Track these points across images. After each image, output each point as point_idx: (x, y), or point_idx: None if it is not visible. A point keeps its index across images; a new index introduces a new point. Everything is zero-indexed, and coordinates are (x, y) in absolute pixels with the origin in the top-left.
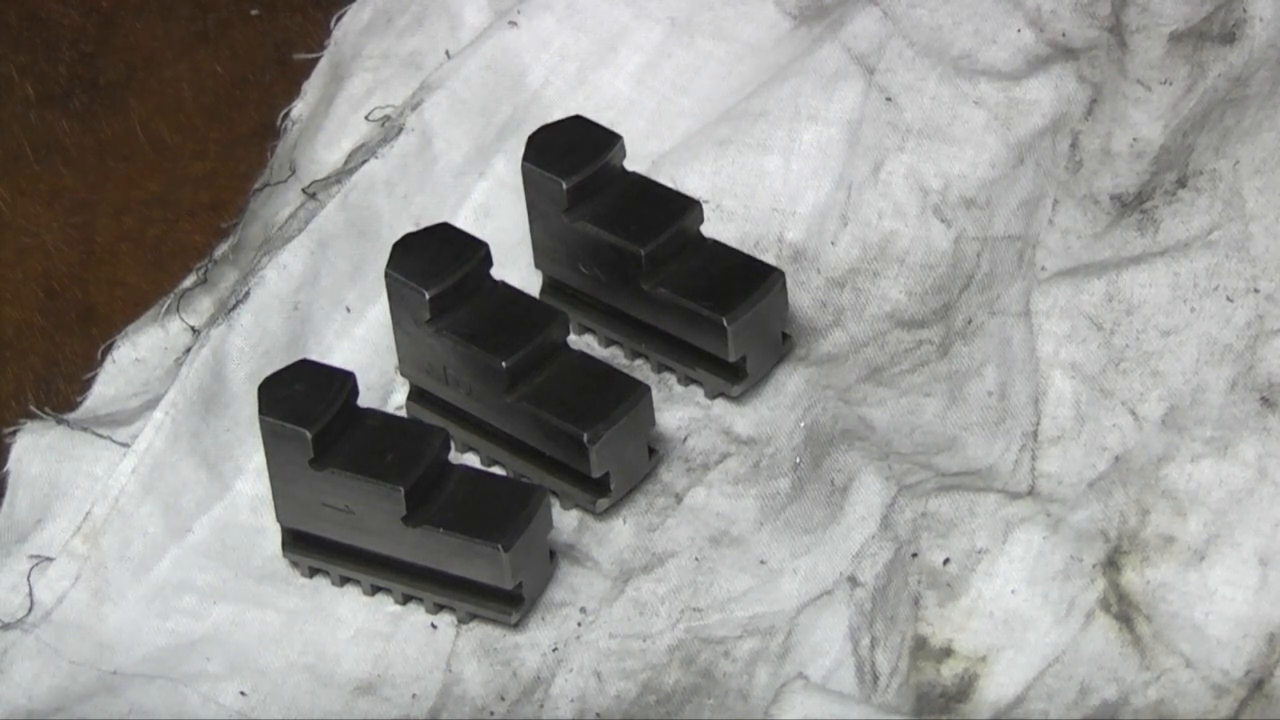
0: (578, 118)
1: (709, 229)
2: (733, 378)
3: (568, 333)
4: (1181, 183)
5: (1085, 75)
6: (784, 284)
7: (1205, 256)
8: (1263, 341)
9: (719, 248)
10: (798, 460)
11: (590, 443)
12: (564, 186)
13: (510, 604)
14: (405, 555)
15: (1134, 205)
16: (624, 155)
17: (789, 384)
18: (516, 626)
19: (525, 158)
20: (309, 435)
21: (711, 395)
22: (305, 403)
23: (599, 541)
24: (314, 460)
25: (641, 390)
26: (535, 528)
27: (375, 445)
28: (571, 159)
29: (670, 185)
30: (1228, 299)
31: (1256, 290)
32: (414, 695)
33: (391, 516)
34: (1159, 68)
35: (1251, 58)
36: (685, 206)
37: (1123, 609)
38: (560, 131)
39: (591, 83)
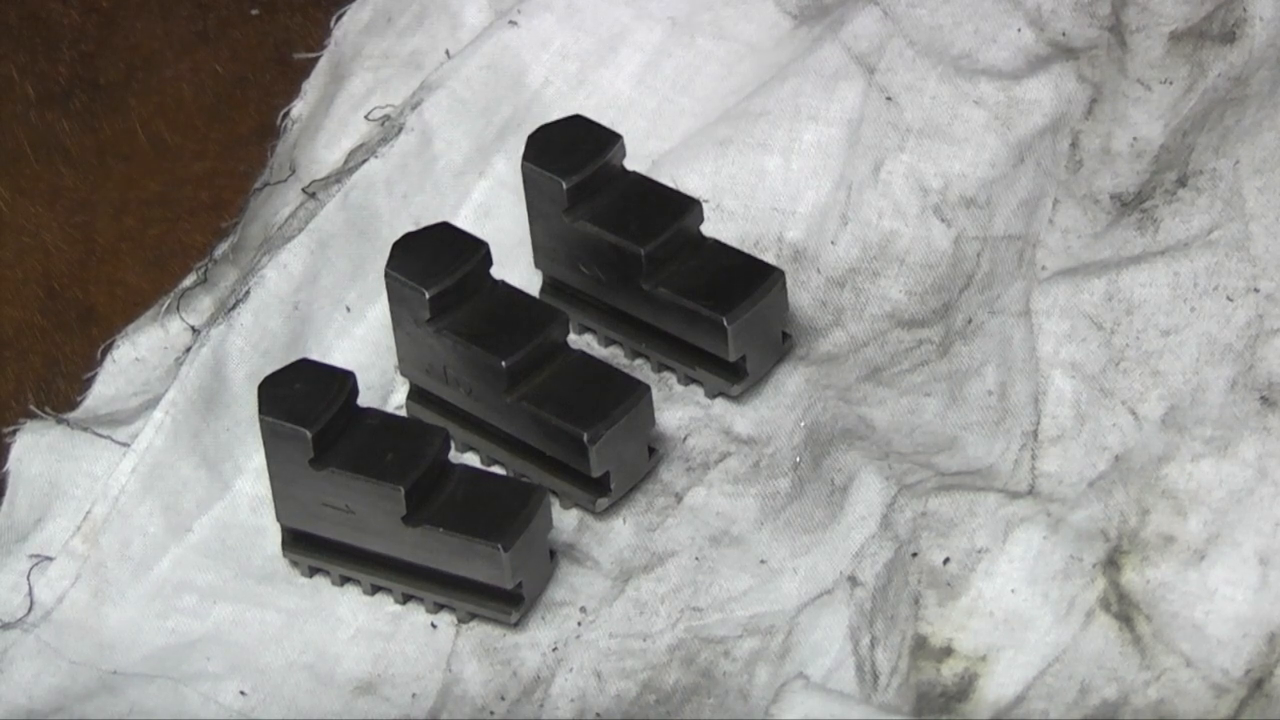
0: (578, 117)
1: (709, 229)
2: (733, 377)
3: (568, 333)
4: (1181, 182)
5: (1085, 75)
6: (784, 283)
7: (1205, 256)
8: (1263, 341)
9: (719, 247)
10: (798, 460)
11: (590, 442)
12: (564, 186)
13: (510, 603)
14: (405, 555)
15: (1134, 204)
16: (624, 155)
17: (789, 384)
18: (516, 626)
19: (525, 157)
20: (309, 435)
21: (711, 395)
22: (305, 402)
23: (599, 541)
24: (314, 460)
25: (641, 390)
26: (535, 527)
27: (375, 445)
28: (572, 158)
29: (670, 185)
30: (1228, 298)
31: (1256, 290)
32: (414, 695)
33: (391, 516)
34: (1159, 67)
35: (1251, 57)
36: (685, 206)
37: (1123, 608)
38: (560, 131)
39: (592, 82)
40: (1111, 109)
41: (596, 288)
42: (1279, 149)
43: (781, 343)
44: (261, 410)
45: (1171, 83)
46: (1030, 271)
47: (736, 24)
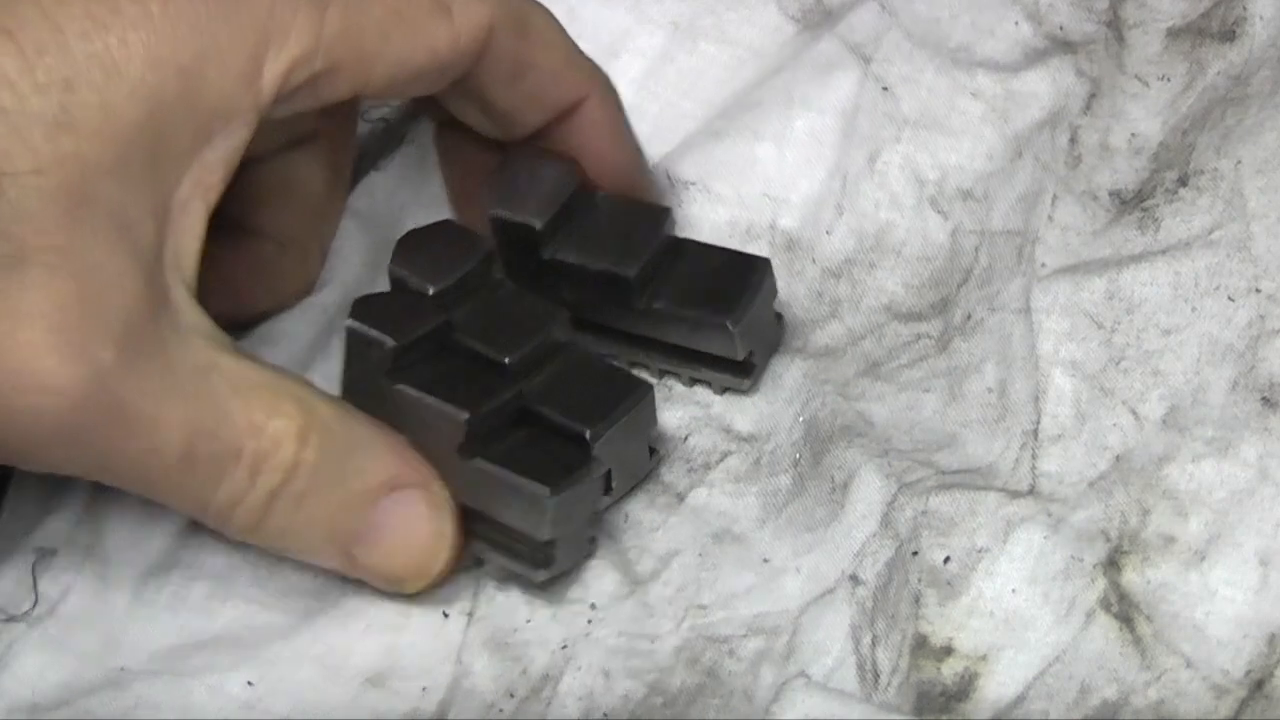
0: (535, 148)
1: (700, 212)
2: (741, 374)
3: (569, 331)
4: (1183, 181)
5: (1083, 69)
6: (772, 270)
7: (1206, 256)
8: (1264, 341)
9: (700, 248)
10: (797, 456)
11: (592, 440)
12: (538, 228)
13: (542, 560)
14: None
15: (1134, 203)
16: (579, 180)
17: (787, 377)
18: (542, 587)
19: (490, 204)
20: (391, 345)
21: (720, 391)
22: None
23: (604, 540)
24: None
25: (644, 389)
26: (585, 489)
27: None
28: (539, 200)
29: (665, 176)
30: (1229, 299)
31: (1258, 290)
32: (424, 688)
33: (450, 445)
34: (1157, 63)
35: (1251, 57)
36: (658, 216)
37: (1123, 609)
38: (521, 168)
39: None
40: (1110, 104)
41: (591, 311)
42: None
43: (778, 325)
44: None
45: (1169, 79)
46: (1030, 268)
47: (739, 28)
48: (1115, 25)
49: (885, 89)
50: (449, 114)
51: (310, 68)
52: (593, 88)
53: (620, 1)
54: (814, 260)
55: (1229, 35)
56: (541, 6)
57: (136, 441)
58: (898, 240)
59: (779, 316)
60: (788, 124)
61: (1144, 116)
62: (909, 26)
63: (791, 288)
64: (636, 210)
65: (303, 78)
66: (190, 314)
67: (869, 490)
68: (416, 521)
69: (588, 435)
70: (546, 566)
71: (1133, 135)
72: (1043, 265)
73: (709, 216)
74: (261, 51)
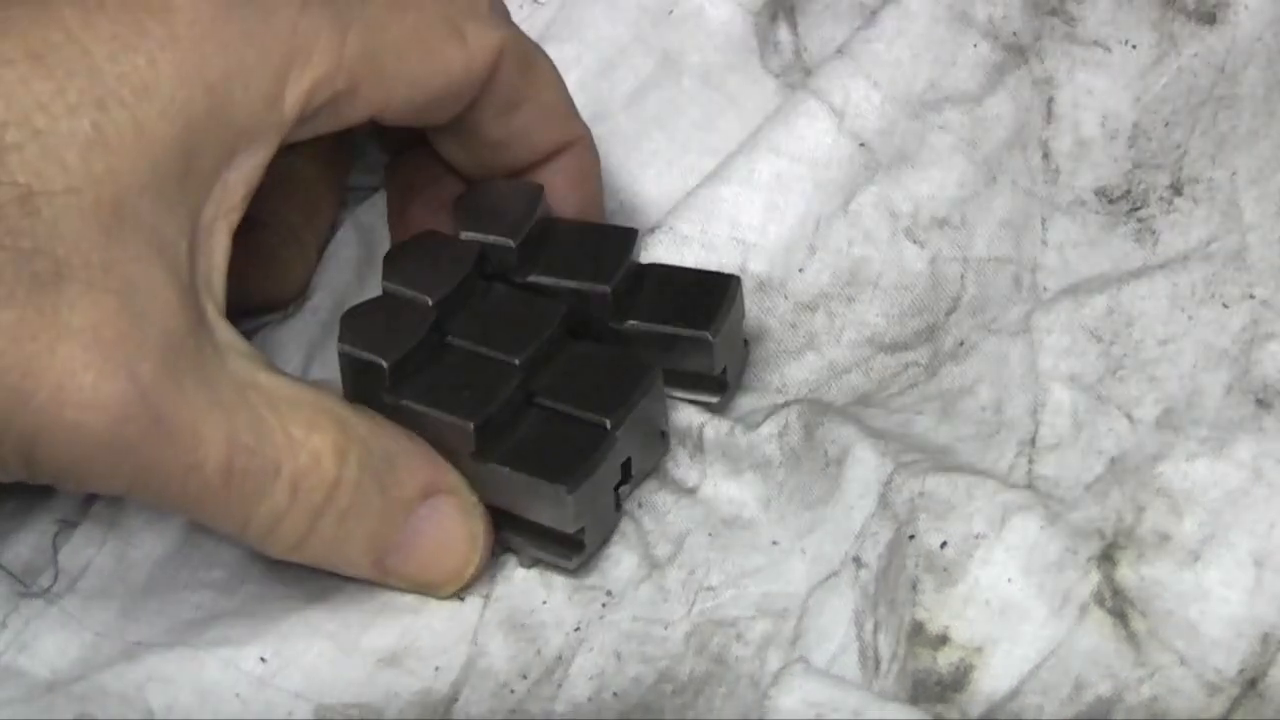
0: (496, 183)
1: (665, 255)
2: (714, 390)
3: (567, 325)
4: (1177, 190)
5: (1037, 75)
6: (741, 287)
7: (1204, 268)
8: (1258, 345)
9: (668, 269)
10: (785, 422)
11: (613, 429)
12: (513, 244)
13: (571, 549)
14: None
15: (1122, 202)
16: (549, 206)
17: (773, 380)
18: (575, 573)
19: (459, 227)
20: (386, 366)
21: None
22: (386, 334)
23: (621, 528)
24: (389, 390)
25: (653, 371)
26: (603, 473)
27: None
28: (508, 220)
29: (633, 206)
30: (1224, 305)
31: (1252, 296)
32: (437, 668)
33: (461, 449)
34: (1113, 24)
35: (1235, 47)
36: (626, 236)
37: (1117, 604)
38: (486, 196)
39: (591, 89)
40: (1071, 94)
41: None
42: (1274, 158)
43: (744, 349)
44: (341, 339)
45: (1134, 46)
46: (1033, 296)
47: (723, 75)
48: (1062, 10)
49: (854, 136)
50: (401, 143)
51: (332, 87)
52: (578, 137)
53: (623, 17)
54: (786, 296)
55: (1209, 18)
56: (544, 51)
57: (177, 456)
58: (874, 273)
59: (745, 342)
60: (754, 168)
61: (1111, 89)
62: (875, 75)
63: (764, 324)
64: (603, 232)
65: (324, 98)
66: (225, 332)
67: (863, 468)
68: (451, 527)
69: (609, 425)
70: (579, 552)
71: (1104, 118)
72: (1045, 289)
73: (676, 260)
74: (285, 71)
